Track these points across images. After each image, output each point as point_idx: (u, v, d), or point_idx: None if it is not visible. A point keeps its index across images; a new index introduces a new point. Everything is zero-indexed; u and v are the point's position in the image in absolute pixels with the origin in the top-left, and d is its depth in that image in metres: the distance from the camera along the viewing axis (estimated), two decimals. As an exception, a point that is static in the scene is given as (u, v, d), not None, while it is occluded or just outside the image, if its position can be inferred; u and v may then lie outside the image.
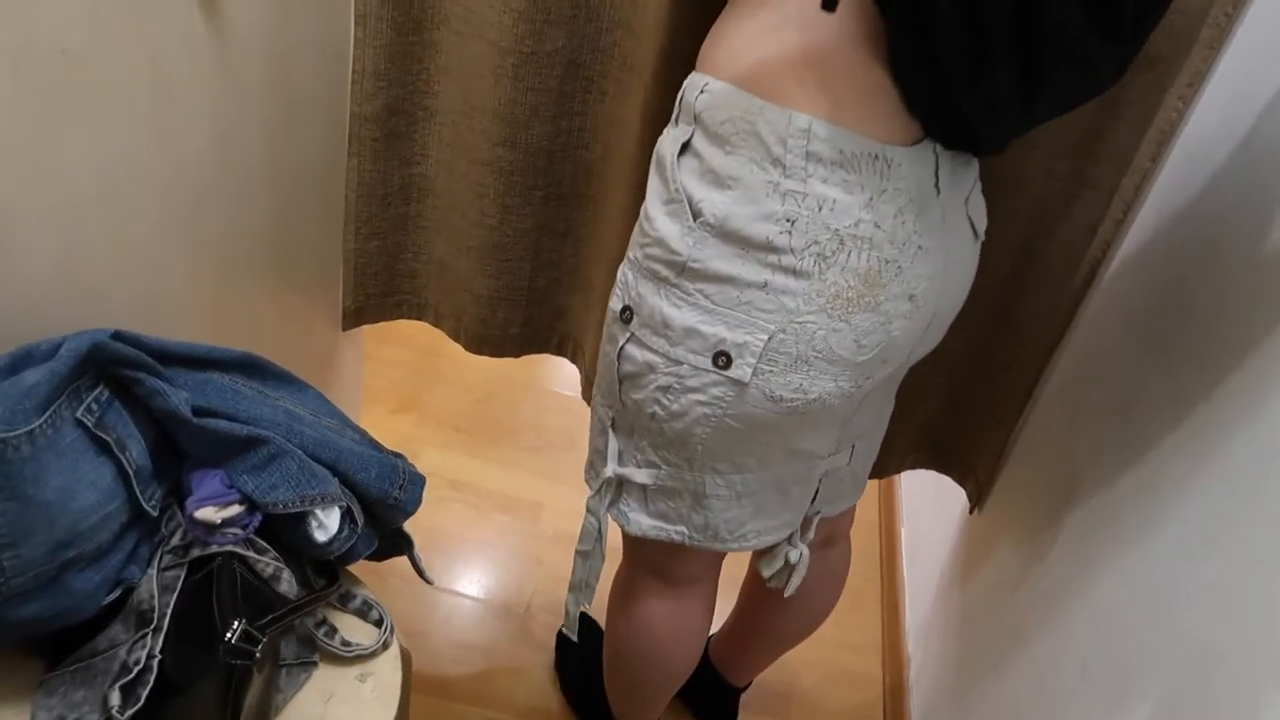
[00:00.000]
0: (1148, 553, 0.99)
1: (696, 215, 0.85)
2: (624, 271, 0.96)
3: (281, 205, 1.21)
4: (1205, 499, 0.92)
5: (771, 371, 0.88)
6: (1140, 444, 1.06)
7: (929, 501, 1.79)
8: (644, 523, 1.05)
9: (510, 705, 1.55)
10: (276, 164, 1.16)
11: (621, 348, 0.95)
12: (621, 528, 1.07)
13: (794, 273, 0.84)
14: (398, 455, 0.99)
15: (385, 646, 0.97)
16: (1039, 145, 1.16)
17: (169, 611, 0.80)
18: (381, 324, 1.60)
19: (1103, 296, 1.24)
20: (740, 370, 0.88)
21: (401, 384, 2.12)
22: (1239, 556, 0.85)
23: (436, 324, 1.53)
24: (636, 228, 0.94)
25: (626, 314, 0.94)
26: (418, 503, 0.96)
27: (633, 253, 0.94)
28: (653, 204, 0.90)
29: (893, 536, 1.94)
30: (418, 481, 0.96)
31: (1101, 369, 1.20)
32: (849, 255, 0.84)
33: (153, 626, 0.79)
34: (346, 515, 0.89)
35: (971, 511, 1.50)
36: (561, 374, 2.16)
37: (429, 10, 1.20)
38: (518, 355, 1.52)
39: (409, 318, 1.54)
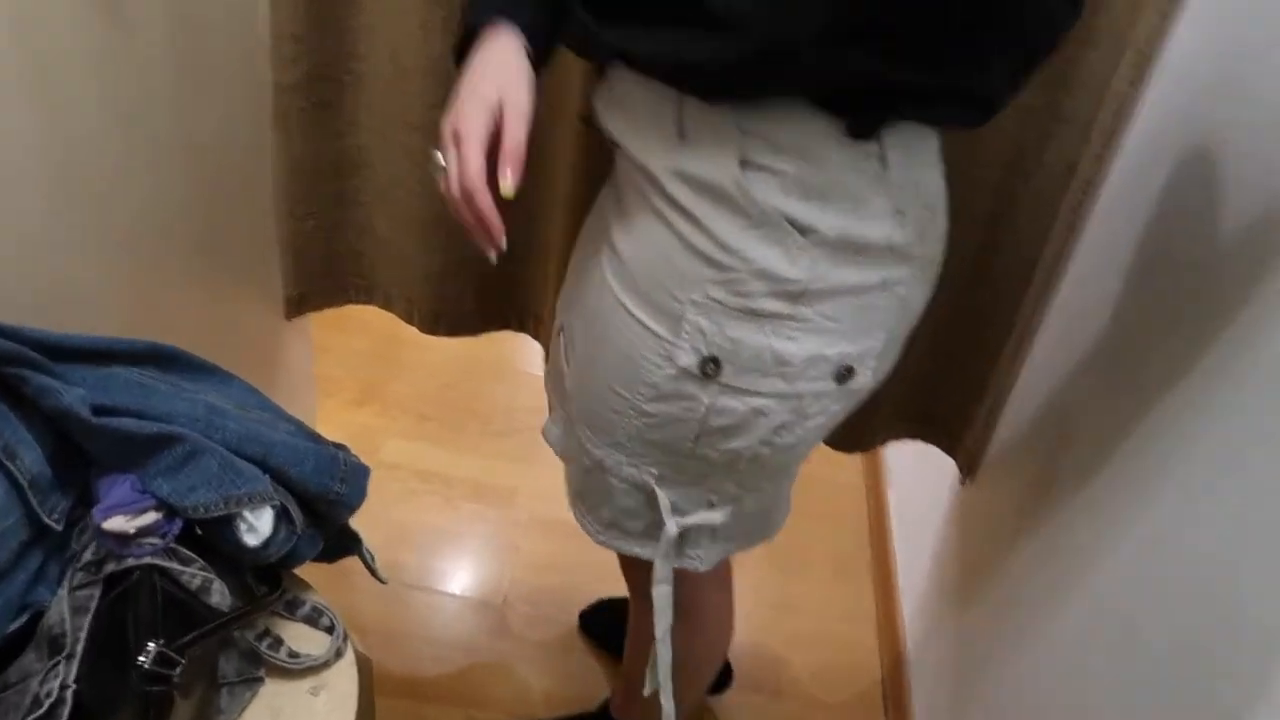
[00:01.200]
0: (1148, 507, 0.93)
1: (806, 232, 0.74)
2: (686, 320, 0.78)
3: (202, 186, 1.11)
4: (1205, 449, 0.85)
5: (882, 361, 0.84)
6: (1134, 396, 0.99)
7: (914, 466, 1.73)
8: (715, 556, 0.95)
9: (492, 702, 1.48)
10: (190, 141, 1.06)
11: (710, 405, 0.81)
12: (691, 570, 0.95)
13: (905, 259, 0.78)
14: (338, 446, 0.90)
15: (339, 655, 0.89)
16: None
17: (83, 635, 0.72)
18: (333, 311, 1.52)
19: (1087, 242, 1.17)
20: (863, 378, 0.82)
21: (360, 373, 2.02)
22: (1244, 505, 0.78)
23: (387, 306, 1.44)
24: (685, 262, 0.76)
25: (711, 367, 0.78)
26: (361, 495, 0.88)
27: (698, 295, 0.76)
28: (726, 233, 0.74)
29: (880, 503, 1.88)
30: (360, 473, 0.88)
31: (1091, 321, 1.13)
32: (935, 222, 0.82)
33: (65, 653, 0.71)
34: (282, 515, 0.81)
35: (963, 482, 1.43)
36: (531, 352, 2.07)
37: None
38: (477, 333, 1.44)
39: (357, 302, 1.45)
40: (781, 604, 1.72)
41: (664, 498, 0.88)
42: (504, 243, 0.74)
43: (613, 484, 0.90)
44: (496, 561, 1.68)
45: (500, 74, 0.74)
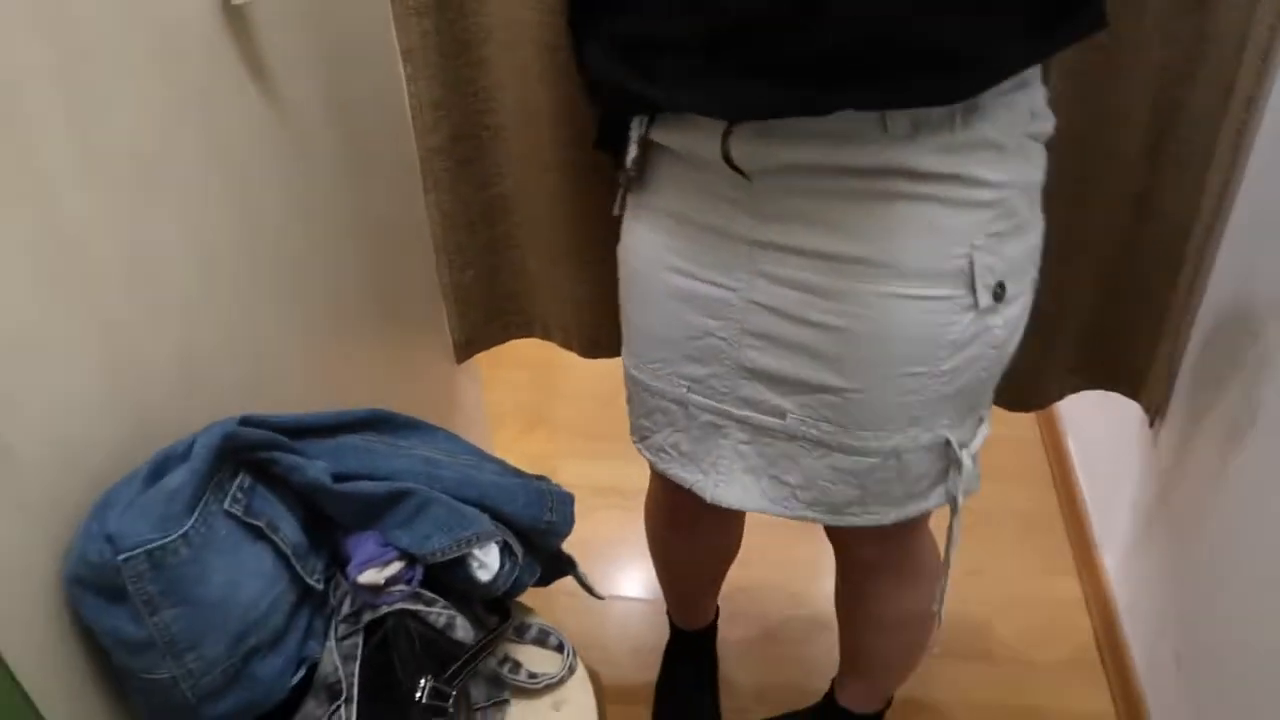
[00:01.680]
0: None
1: (1039, 137, 0.87)
2: (976, 265, 0.83)
3: (372, 254, 1.20)
4: None
5: None
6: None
7: (1093, 415, 1.67)
8: (978, 472, 0.98)
9: (702, 700, 1.52)
10: (357, 215, 1.15)
11: (1004, 323, 0.87)
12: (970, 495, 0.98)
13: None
14: (540, 478, 0.96)
15: (571, 671, 0.95)
16: (1148, 7, 1.05)
17: (355, 680, 0.79)
18: (494, 350, 1.60)
19: (1258, 162, 1.12)
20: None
21: (525, 404, 2.11)
22: None
23: (546, 337, 1.51)
24: (953, 220, 0.82)
25: (999, 290, 0.84)
26: (570, 522, 0.94)
27: (979, 239, 0.82)
28: (990, 172, 0.81)
29: (1062, 455, 1.82)
30: (567, 501, 0.94)
31: (1275, 230, 1.08)
32: None
33: (344, 698, 0.79)
34: (505, 550, 0.87)
35: (1151, 425, 1.39)
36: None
37: (471, 29, 1.18)
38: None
39: (518, 337, 1.52)
40: (974, 570, 1.70)
41: (954, 439, 0.91)
42: None
43: (909, 462, 0.92)
44: (684, 564, 1.73)
45: None
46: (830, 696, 1.38)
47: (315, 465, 0.78)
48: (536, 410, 2.09)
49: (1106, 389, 1.37)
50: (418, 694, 0.74)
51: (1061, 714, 1.46)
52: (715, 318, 0.91)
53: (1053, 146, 0.89)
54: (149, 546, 0.68)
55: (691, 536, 1.27)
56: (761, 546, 1.47)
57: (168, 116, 0.79)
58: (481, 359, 1.70)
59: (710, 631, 1.48)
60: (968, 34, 0.73)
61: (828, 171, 0.81)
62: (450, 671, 0.78)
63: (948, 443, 0.91)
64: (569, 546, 0.99)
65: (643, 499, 1.30)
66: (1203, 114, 1.11)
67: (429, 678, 0.75)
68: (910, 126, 0.78)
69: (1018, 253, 0.85)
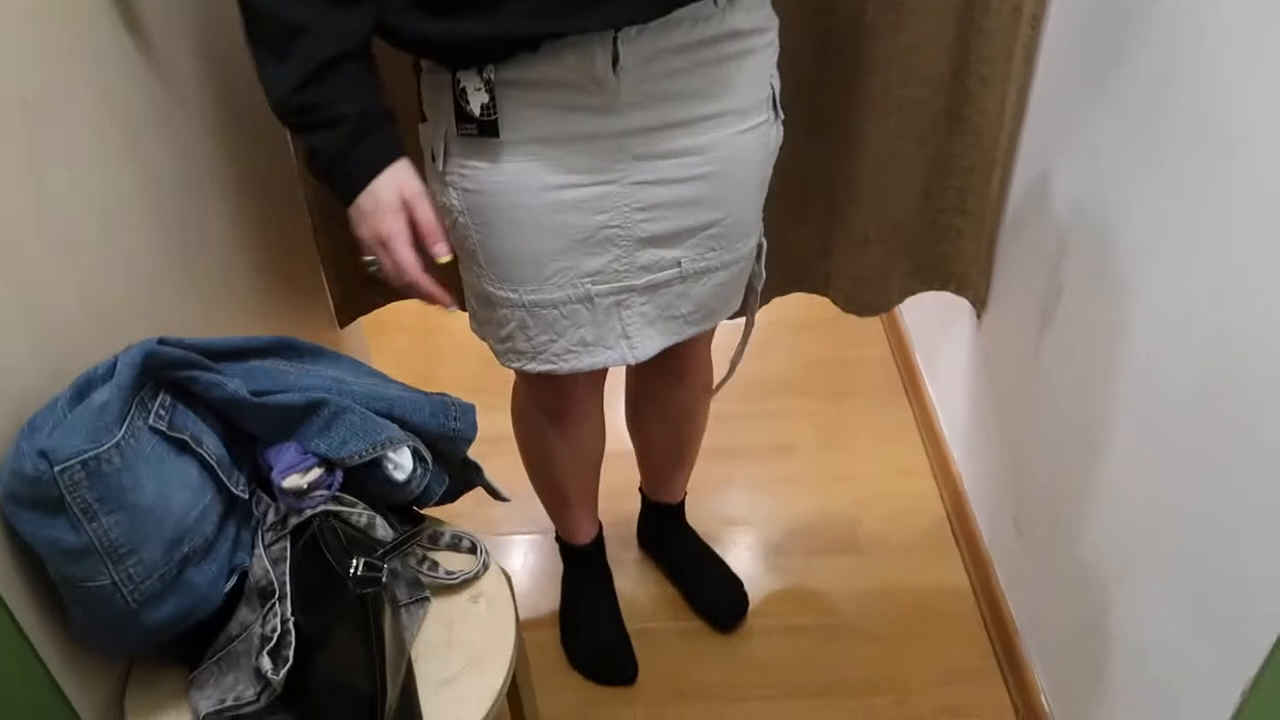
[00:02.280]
0: (1144, 285, 1.06)
1: None
2: (774, 92, 1.09)
3: (255, 216, 1.24)
4: (1184, 215, 0.98)
5: None
6: (1117, 193, 1.12)
7: (933, 321, 1.86)
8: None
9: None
10: (238, 173, 1.19)
11: (778, 134, 1.13)
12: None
13: None
14: (441, 394, 1.04)
15: (486, 567, 1.03)
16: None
17: (287, 579, 0.85)
18: (374, 320, 1.65)
19: (1045, 72, 1.29)
20: None
21: (409, 365, 2.16)
22: (1221, 263, 0.91)
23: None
24: (761, 63, 1.05)
25: (782, 106, 1.12)
26: (474, 428, 1.02)
27: (773, 70, 1.09)
28: (765, 20, 1.06)
29: (911, 367, 2.01)
30: (469, 410, 1.01)
31: (1063, 137, 1.25)
32: None
33: (277, 596, 0.85)
34: (416, 455, 0.95)
35: (979, 316, 1.56)
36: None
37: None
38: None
39: (394, 300, 1.57)
40: (840, 476, 1.86)
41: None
42: (452, 301, 1.00)
43: (749, 257, 1.17)
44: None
45: (390, 178, 0.95)
46: (647, 500, 1.65)
47: (233, 381, 0.83)
48: (421, 372, 2.14)
49: (938, 289, 1.53)
50: (352, 569, 0.81)
51: (925, 589, 1.64)
52: (604, 211, 1.02)
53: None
54: (83, 456, 0.72)
55: (573, 431, 1.39)
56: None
57: (56, 66, 0.82)
58: (365, 327, 1.74)
59: (599, 544, 1.58)
60: None
61: (688, 48, 0.97)
62: (379, 554, 0.85)
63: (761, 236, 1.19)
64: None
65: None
66: (999, 35, 1.27)
67: (360, 558, 0.82)
68: None
69: (778, 75, 1.10)
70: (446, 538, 1.06)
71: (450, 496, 1.08)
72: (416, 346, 2.22)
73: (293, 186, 1.39)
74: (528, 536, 1.76)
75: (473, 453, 1.07)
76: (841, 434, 1.96)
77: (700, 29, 0.97)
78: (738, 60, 1.01)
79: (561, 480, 1.45)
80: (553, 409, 1.35)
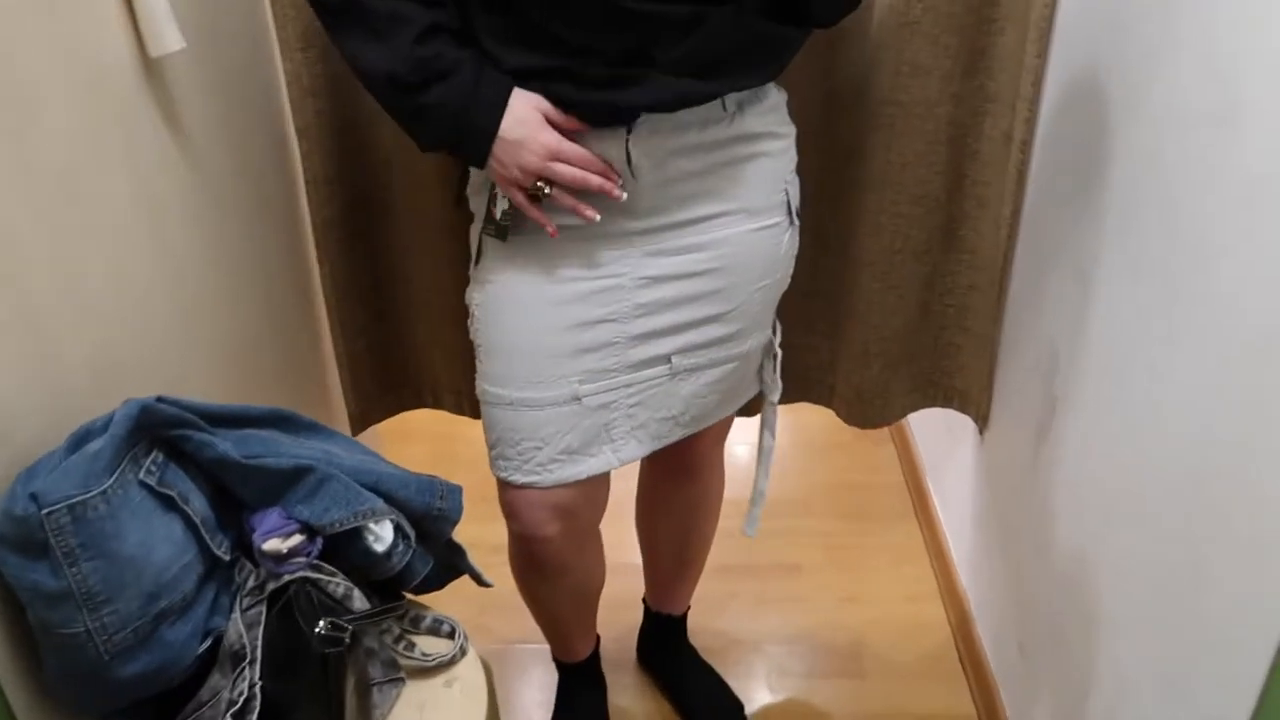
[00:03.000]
0: (1131, 400, 1.07)
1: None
2: (789, 196, 1.14)
3: (271, 310, 1.31)
4: (1160, 325, 1.00)
5: None
6: (1102, 306, 1.14)
7: (943, 444, 1.86)
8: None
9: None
10: (261, 274, 1.26)
11: (794, 240, 1.18)
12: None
13: None
14: (430, 475, 1.06)
15: (463, 652, 1.03)
16: (933, 72, 1.27)
17: (259, 644, 0.86)
18: (394, 425, 1.68)
19: (1033, 193, 1.34)
20: None
21: (426, 471, 2.18)
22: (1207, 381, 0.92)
23: (437, 405, 1.59)
24: (777, 166, 1.12)
25: (798, 212, 1.18)
26: (459, 510, 1.03)
27: (788, 174, 1.15)
28: (786, 128, 1.15)
29: (921, 489, 1.99)
30: (455, 491, 1.03)
31: (1052, 254, 1.29)
32: None
33: (248, 660, 0.86)
34: (398, 530, 0.96)
35: (981, 434, 1.57)
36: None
37: (361, 109, 1.31)
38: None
39: (410, 408, 1.60)
40: (847, 597, 1.83)
41: (774, 332, 1.22)
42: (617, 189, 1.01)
43: (751, 358, 1.20)
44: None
45: (520, 100, 0.98)
46: (649, 612, 1.62)
47: (224, 442, 0.87)
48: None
49: (941, 405, 1.54)
50: (317, 628, 0.82)
51: (929, 715, 1.58)
52: (607, 305, 1.07)
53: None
54: (70, 501, 0.75)
55: (567, 579, 1.33)
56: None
57: (93, 145, 0.90)
58: (384, 435, 1.77)
59: (595, 658, 1.55)
60: (777, 39, 1.03)
61: (699, 149, 1.03)
62: (349, 618, 0.86)
63: (772, 336, 1.22)
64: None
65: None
66: (992, 159, 1.33)
67: (328, 619, 0.83)
68: (736, 104, 1.05)
69: (797, 184, 1.15)
70: (428, 621, 1.06)
71: (437, 582, 1.09)
72: (433, 455, 2.25)
73: (316, 298, 1.46)
74: (528, 646, 1.74)
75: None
76: (850, 555, 1.93)
77: (711, 132, 1.03)
78: (752, 162, 1.08)
79: (557, 616, 1.44)
80: (542, 539, 1.26)
